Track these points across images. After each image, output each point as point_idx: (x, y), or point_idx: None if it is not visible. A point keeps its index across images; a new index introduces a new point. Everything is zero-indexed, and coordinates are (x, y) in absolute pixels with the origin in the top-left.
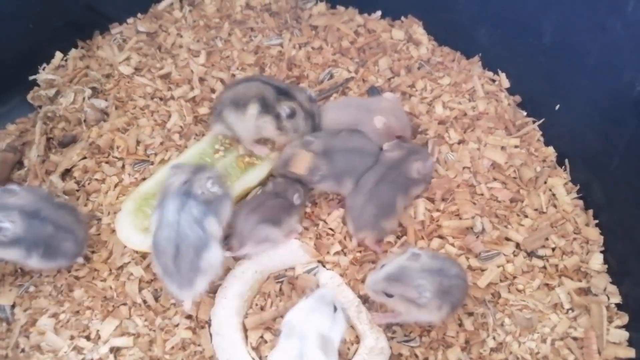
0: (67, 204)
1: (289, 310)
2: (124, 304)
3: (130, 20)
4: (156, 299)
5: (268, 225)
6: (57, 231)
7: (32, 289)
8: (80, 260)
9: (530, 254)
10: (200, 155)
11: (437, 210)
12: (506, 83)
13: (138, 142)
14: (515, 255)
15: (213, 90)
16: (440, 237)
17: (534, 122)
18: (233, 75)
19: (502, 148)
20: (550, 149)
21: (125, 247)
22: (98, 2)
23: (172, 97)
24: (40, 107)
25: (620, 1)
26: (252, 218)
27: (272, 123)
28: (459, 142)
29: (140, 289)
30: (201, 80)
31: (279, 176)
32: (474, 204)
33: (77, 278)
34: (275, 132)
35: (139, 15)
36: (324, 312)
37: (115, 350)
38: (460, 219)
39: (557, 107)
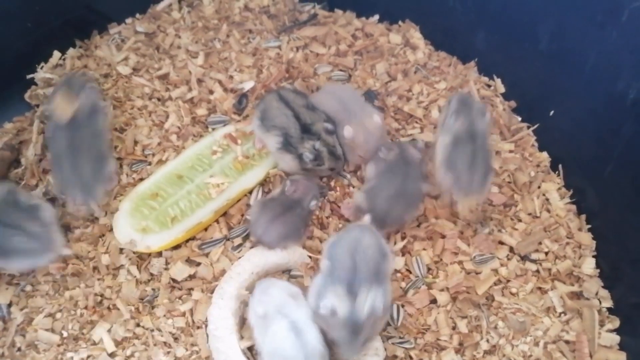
0: (32, 200)
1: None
2: (121, 304)
3: (128, 20)
4: (153, 299)
5: (289, 241)
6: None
7: (28, 288)
8: (67, 252)
9: (524, 258)
10: (198, 157)
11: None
12: (502, 88)
13: (136, 143)
14: (509, 259)
15: (211, 92)
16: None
17: (528, 127)
18: (231, 77)
19: (497, 153)
20: (545, 154)
21: (122, 247)
22: (97, 1)
23: (170, 98)
24: (37, 105)
25: (615, 10)
26: (273, 232)
27: (295, 163)
28: None
29: (137, 289)
30: (199, 81)
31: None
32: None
33: (74, 277)
34: (298, 170)
35: (137, 15)
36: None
37: (111, 351)
38: (455, 223)
39: (552, 112)
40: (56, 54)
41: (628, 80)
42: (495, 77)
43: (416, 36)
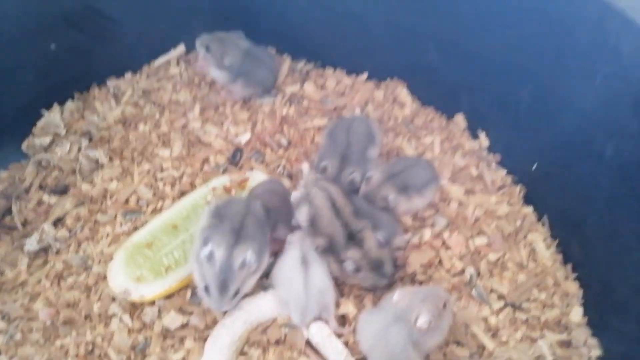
0: None
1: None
2: (113, 353)
3: (127, 75)
4: (145, 347)
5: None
6: None
7: (18, 336)
8: None
9: (513, 306)
10: (193, 207)
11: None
12: (486, 142)
13: (131, 193)
14: (499, 310)
15: (206, 144)
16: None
17: (512, 179)
18: (227, 130)
19: (483, 204)
20: (530, 205)
21: (116, 296)
22: (97, 57)
23: (166, 150)
24: (34, 155)
25: (588, 75)
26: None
27: (335, 267)
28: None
29: (129, 338)
30: (195, 134)
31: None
32: (460, 258)
33: (65, 325)
34: (337, 273)
35: (135, 70)
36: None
37: None
38: (448, 271)
39: (535, 166)
40: (55, 106)
41: (603, 141)
42: (479, 131)
43: (403, 93)
